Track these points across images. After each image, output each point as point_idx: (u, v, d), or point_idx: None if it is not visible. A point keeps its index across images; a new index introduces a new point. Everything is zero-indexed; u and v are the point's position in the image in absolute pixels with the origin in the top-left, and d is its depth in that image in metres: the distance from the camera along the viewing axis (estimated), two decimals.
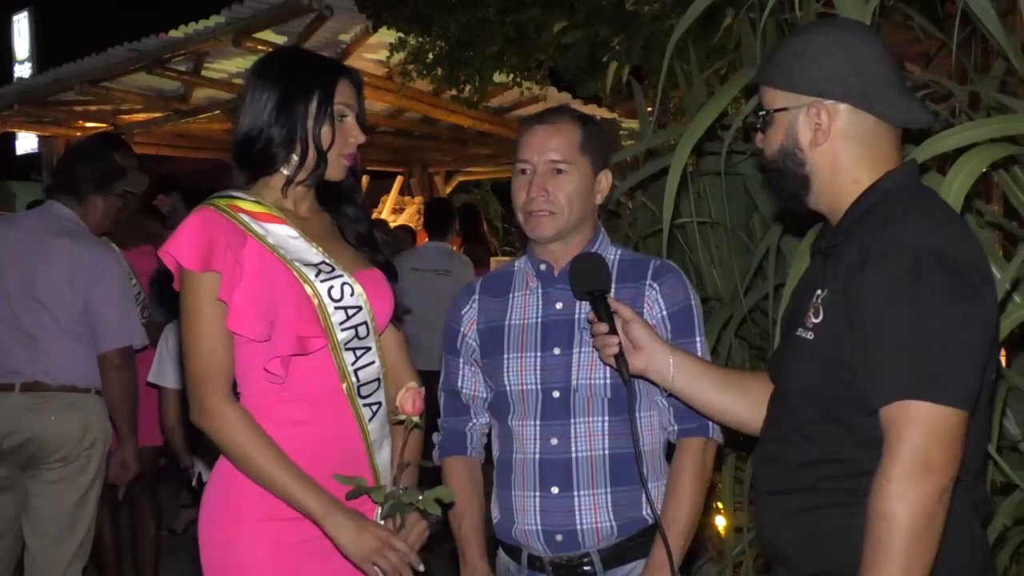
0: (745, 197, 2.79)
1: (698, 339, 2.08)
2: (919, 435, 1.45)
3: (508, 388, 2.09)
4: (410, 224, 9.29)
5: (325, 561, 1.92)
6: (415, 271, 5.46)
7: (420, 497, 1.86)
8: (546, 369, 2.06)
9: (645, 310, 2.06)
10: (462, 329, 2.19)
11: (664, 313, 2.07)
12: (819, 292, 1.64)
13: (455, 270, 5.60)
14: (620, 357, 1.86)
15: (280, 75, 1.99)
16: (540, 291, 2.12)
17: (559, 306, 2.08)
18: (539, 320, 2.10)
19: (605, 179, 2.12)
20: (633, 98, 3.44)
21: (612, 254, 2.14)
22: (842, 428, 1.59)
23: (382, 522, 1.91)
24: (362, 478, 1.89)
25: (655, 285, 2.08)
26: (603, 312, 1.89)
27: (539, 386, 2.06)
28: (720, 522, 2.90)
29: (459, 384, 2.19)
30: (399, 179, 10.81)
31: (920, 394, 1.46)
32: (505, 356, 2.10)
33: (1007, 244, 2.37)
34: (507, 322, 2.13)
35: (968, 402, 1.49)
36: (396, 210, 10.29)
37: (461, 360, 2.19)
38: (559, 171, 2.06)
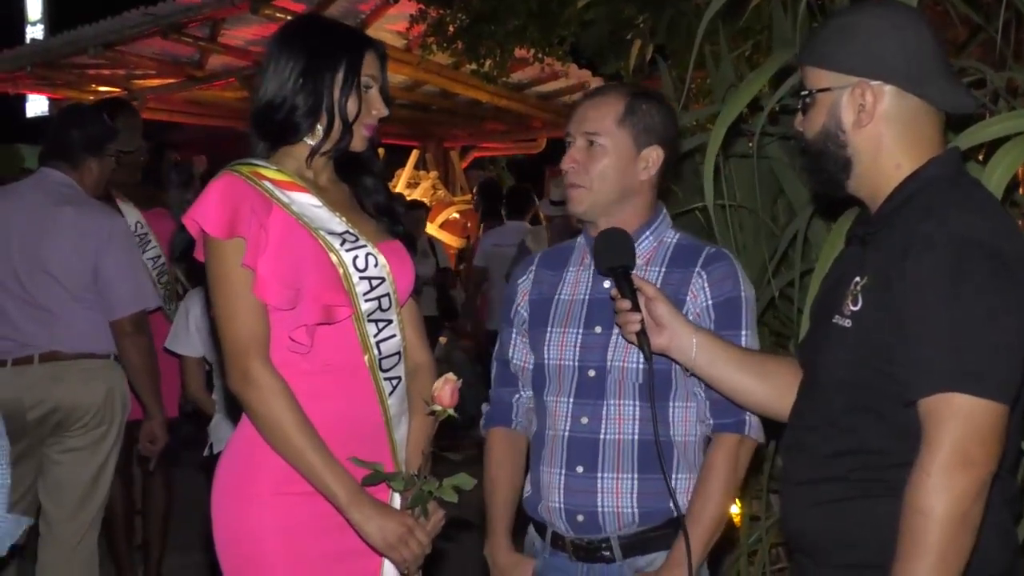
0: (772, 181, 2.75)
1: (744, 332, 2.00)
2: (959, 429, 1.43)
3: (547, 362, 2.08)
4: (424, 199, 9.26)
5: (336, 537, 1.90)
6: (496, 246, 6.61)
7: (439, 485, 1.83)
8: (585, 347, 2.04)
9: (689, 298, 2.01)
10: (516, 299, 2.18)
11: (709, 303, 2.00)
12: (858, 279, 1.60)
13: (528, 243, 6.40)
14: (642, 334, 1.83)
15: (307, 43, 1.95)
16: (592, 268, 2.08)
17: (607, 284, 2.03)
18: (586, 297, 2.07)
19: (655, 154, 2.05)
20: (653, 77, 3.39)
21: (670, 237, 2.09)
22: (876, 418, 1.57)
23: (397, 507, 1.89)
24: (380, 463, 1.87)
25: (703, 273, 2.01)
26: (626, 289, 1.86)
27: (576, 363, 2.04)
28: (734, 509, 2.87)
29: (510, 354, 2.18)
30: (414, 153, 10.76)
31: (961, 387, 1.44)
32: (548, 329, 2.08)
33: None
34: (557, 296, 2.11)
35: (1009, 396, 1.47)
36: (411, 184, 10.25)
37: (513, 330, 2.18)
38: (592, 143, 2.03)
